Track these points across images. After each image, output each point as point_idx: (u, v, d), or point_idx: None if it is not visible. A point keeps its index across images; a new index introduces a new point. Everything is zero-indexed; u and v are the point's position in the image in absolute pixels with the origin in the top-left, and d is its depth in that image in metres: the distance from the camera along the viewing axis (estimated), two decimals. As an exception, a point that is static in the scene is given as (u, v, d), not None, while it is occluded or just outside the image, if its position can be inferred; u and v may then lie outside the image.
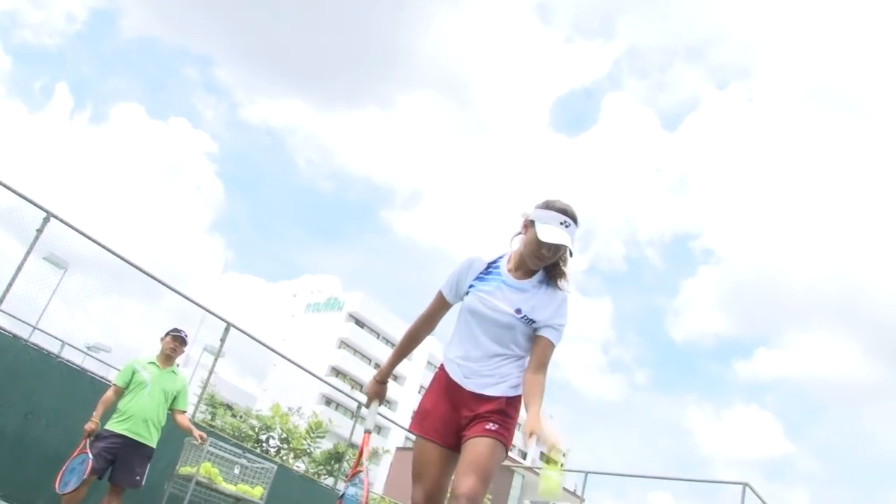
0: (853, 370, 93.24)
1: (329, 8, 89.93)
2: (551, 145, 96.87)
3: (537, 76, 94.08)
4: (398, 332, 60.39)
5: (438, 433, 2.83)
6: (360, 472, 3.01)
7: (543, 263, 2.84)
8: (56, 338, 14.42)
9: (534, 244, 2.79)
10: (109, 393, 5.79)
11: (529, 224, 2.83)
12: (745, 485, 10.26)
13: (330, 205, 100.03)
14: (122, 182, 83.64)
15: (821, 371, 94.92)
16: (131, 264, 7.68)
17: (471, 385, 2.81)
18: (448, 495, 2.76)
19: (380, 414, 3.33)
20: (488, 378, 2.80)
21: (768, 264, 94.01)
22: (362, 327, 62.08)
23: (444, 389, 2.87)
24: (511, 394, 2.80)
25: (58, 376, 7.08)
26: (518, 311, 2.81)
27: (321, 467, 16.34)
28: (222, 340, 9.00)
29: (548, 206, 2.82)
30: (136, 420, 5.68)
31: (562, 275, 2.89)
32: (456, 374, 2.85)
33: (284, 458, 15.06)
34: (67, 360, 7.95)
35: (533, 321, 2.82)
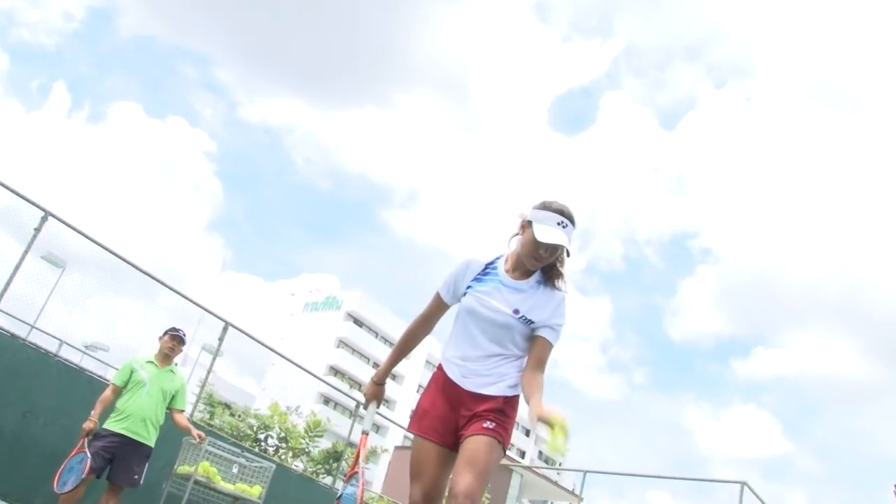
0: (851, 369, 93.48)
1: (327, 7, 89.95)
2: (550, 144, 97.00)
3: (535, 75, 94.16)
4: (396, 331, 60.39)
5: (437, 432, 2.83)
6: (357, 473, 3.01)
7: (541, 264, 2.85)
8: (54, 337, 14.42)
9: (531, 245, 2.80)
10: (107, 392, 5.79)
11: (527, 225, 2.84)
12: (743, 484, 10.28)
13: (328, 204, 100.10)
14: (119, 181, 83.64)
15: (819, 370, 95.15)
16: (129, 263, 7.68)
17: (469, 384, 2.81)
18: (446, 494, 2.76)
19: (378, 413, 3.34)
20: (486, 378, 2.81)
21: (766, 263, 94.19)
22: (361, 326, 62.09)
23: (442, 389, 2.88)
24: (509, 393, 2.80)
25: (56, 375, 7.08)
26: (516, 311, 2.82)
27: (319, 466, 16.34)
28: (220, 339, 9.00)
29: (545, 206, 2.83)
30: (135, 419, 5.68)
31: (559, 275, 2.90)
32: (454, 374, 2.85)
33: (283, 457, 15.05)
34: (65, 360, 7.95)
35: (531, 321, 2.83)
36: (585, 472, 12.62)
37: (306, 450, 15.84)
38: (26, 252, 6.76)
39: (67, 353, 13.79)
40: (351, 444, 13.75)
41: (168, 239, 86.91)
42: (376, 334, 62.85)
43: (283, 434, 15.67)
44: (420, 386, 57.71)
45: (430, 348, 58.14)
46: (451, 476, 2.75)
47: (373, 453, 21.15)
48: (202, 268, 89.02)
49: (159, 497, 7.19)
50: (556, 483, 33.56)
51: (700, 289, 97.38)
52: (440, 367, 2.94)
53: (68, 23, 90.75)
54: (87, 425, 5.54)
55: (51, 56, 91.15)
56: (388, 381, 3.22)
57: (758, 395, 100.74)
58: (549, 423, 2.53)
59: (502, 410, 2.77)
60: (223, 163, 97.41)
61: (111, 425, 5.64)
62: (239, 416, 17.37)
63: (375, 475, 38.68)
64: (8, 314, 12.26)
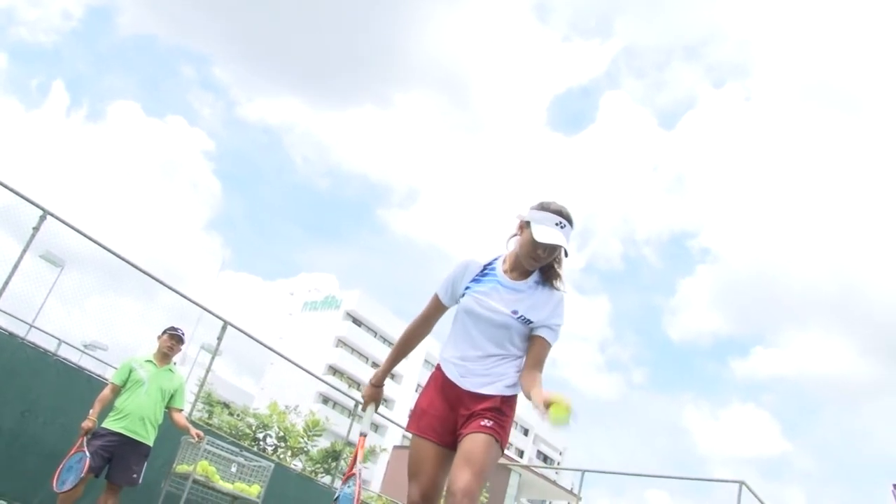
0: (850, 369, 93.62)
1: (326, 6, 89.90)
2: (549, 144, 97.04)
3: (535, 75, 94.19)
4: (395, 331, 60.38)
5: (435, 432, 2.84)
6: (354, 474, 3.02)
7: (539, 264, 2.85)
8: (53, 336, 14.41)
9: (529, 245, 2.80)
10: (106, 391, 5.79)
11: (525, 225, 2.85)
12: (742, 483, 10.29)
13: (327, 203, 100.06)
14: (118, 180, 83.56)
15: (817, 370, 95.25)
16: (128, 262, 7.67)
17: (467, 384, 2.82)
18: (444, 493, 2.77)
19: (377, 413, 3.33)
20: (484, 377, 2.82)
21: (765, 263, 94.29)
22: (359, 326, 62.09)
23: (441, 388, 2.89)
24: (507, 393, 2.81)
25: (55, 374, 7.07)
26: (514, 311, 2.83)
27: (318, 466, 16.35)
28: (219, 339, 8.99)
29: (543, 207, 2.84)
30: (133, 418, 5.68)
31: (557, 275, 2.91)
32: (452, 374, 2.86)
33: (281, 456, 15.05)
34: (64, 359, 7.95)
35: (530, 321, 2.84)
36: (584, 471, 12.63)
37: (305, 449, 15.85)
38: (25, 251, 6.76)
39: (66, 353, 13.79)
40: (350, 444, 13.75)
41: (167, 238, 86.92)
42: (375, 334, 62.86)
43: (281, 433, 15.68)
44: (419, 385, 57.72)
45: (429, 348, 58.12)
46: (449, 474, 2.76)
47: (371, 452, 21.18)
48: (201, 267, 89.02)
49: (158, 496, 7.19)
50: (554, 482, 33.57)
51: (699, 288, 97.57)
52: (438, 367, 2.95)
53: (67, 21, 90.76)
54: (86, 424, 5.54)
55: (50, 55, 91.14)
56: (387, 380, 3.23)
57: (756, 394, 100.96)
58: (550, 402, 2.53)
59: (500, 409, 2.78)
60: (222, 162, 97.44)
61: (110, 424, 5.64)
62: (238, 415, 17.38)
63: (374, 474, 38.67)
64: (6, 313, 12.26)
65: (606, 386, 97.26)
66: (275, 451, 15.34)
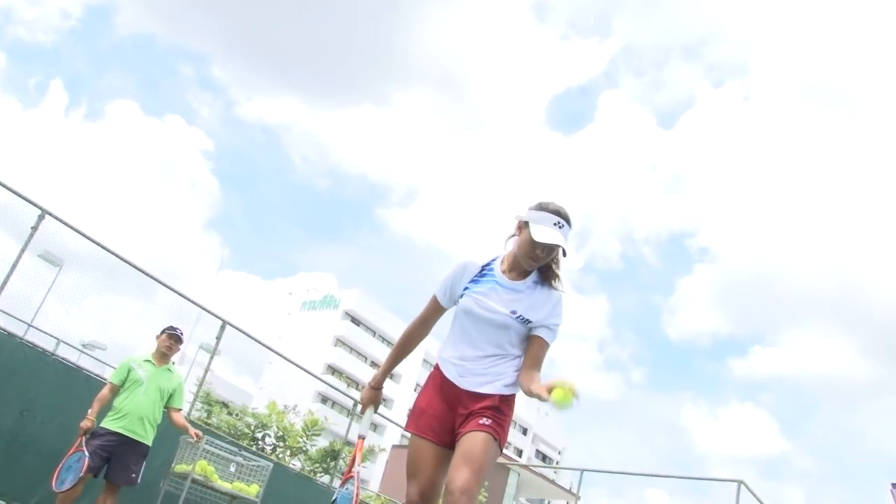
0: (849, 368, 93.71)
1: (325, 5, 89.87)
2: (547, 143, 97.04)
3: (533, 74, 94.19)
4: (394, 330, 60.39)
5: (433, 431, 2.84)
6: (352, 477, 3.02)
7: (537, 264, 2.86)
8: (51, 335, 14.38)
9: (528, 245, 2.81)
10: (105, 391, 5.79)
11: (523, 225, 2.86)
12: (740, 483, 10.30)
13: (326, 202, 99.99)
14: (117, 179, 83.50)
15: (816, 369, 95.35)
16: (126, 262, 7.67)
17: (465, 383, 2.82)
18: (443, 493, 2.77)
19: (376, 413, 3.32)
20: (483, 377, 2.82)
21: (764, 262, 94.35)
22: (358, 325, 62.08)
23: (439, 388, 2.89)
24: (506, 392, 2.82)
25: (53, 374, 7.07)
26: (513, 311, 2.83)
27: (317, 465, 16.34)
28: (218, 338, 8.99)
29: (541, 207, 2.84)
30: (132, 418, 5.68)
31: (555, 276, 2.92)
32: (451, 373, 2.86)
33: (280, 456, 15.05)
34: (63, 358, 7.95)
35: (528, 321, 2.84)
36: (583, 470, 12.64)
37: (304, 448, 15.85)
38: (23, 250, 6.75)
39: (65, 352, 13.77)
40: (348, 443, 13.75)
41: (165, 237, 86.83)
42: (374, 333, 62.85)
43: (280, 433, 15.67)
44: (417, 385, 57.72)
45: (428, 347, 58.08)
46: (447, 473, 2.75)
47: (370, 452, 21.17)
48: (199, 266, 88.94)
49: (156, 496, 7.19)
50: (553, 482, 33.59)
51: (698, 288, 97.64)
52: (437, 367, 2.95)
53: (65, 21, 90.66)
54: (85, 424, 5.54)
55: (48, 54, 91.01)
56: (386, 380, 3.23)
57: (755, 393, 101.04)
58: (553, 387, 2.53)
59: (499, 408, 2.78)
60: (220, 161, 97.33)
61: (109, 424, 5.64)
62: (236, 414, 17.37)
63: (372, 474, 38.68)
64: (5, 313, 12.26)
65: (605, 385, 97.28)
66: (273, 450, 15.34)
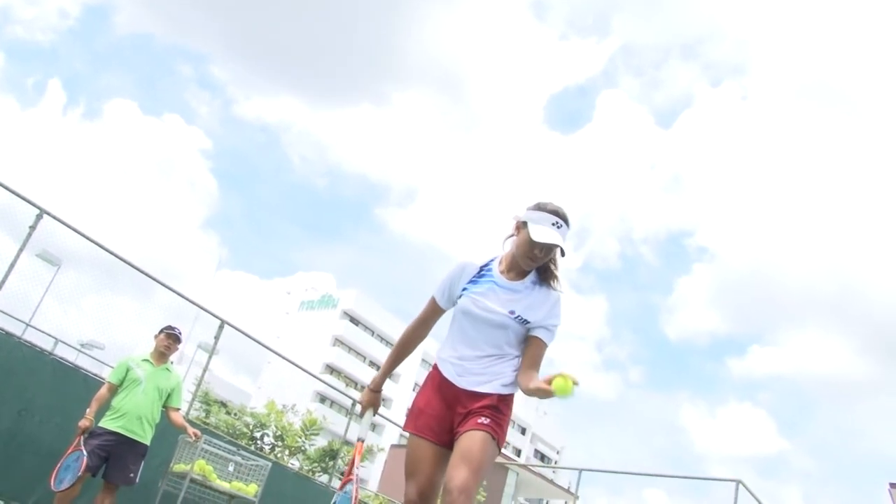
0: (847, 367, 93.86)
1: (324, 5, 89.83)
2: (546, 143, 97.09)
3: (532, 73, 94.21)
4: (392, 330, 60.38)
5: (432, 431, 2.84)
6: (351, 479, 3.02)
7: (536, 264, 2.86)
8: (49, 335, 14.36)
9: (526, 245, 2.81)
10: (103, 390, 5.78)
11: (522, 226, 2.86)
12: (739, 482, 10.32)
13: (324, 202, 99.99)
14: (115, 179, 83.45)
15: (814, 368, 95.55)
16: (125, 261, 7.67)
17: (464, 383, 2.82)
18: (441, 492, 2.77)
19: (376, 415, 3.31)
20: (481, 376, 2.82)
21: (762, 262, 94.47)
22: (357, 325, 62.05)
23: (438, 387, 2.89)
24: (504, 392, 2.82)
25: (51, 373, 7.06)
26: (512, 312, 2.84)
27: (316, 465, 16.34)
28: (216, 338, 8.99)
29: (539, 207, 2.85)
30: (131, 417, 5.67)
31: (554, 276, 2.92)
32: (449, 373, 2.86)
33: (279, 455, 15.04)
34: (61, 358, 7.93)
35: (527, 321, 2.84)
36: (581, 470, 12.65)
37: (302, 448, 15.84)
38: (21, 250, 6.75)
39: (63, 352, 13.74)
40: (347, 443, 13.75)
41: (164, 237, 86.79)
42: (372, 332, 62.83)
43: (279, 432, 15.66)
44: (416, 384, 57.70)
45: (427, 347, 58.07)
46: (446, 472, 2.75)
47: (369, 452, 21.18)
48: (198, 266, 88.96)
49: (155, 495, 7.18)
50: (551, 481, 33.59)
51: (696, 287, 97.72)
52: (435, 367, 2.95)
53: (64, 20, 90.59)
54: (83, 423, 5.53)
55: (46, 53, 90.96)
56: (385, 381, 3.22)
57: (753, 393, 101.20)
58: (552, 378, 2.53)
59: (497, 408, 2.78)
60: (219, 160, 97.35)
61: (107, 423, 5.64)
62: (235, 414, 17.37)
63: (371, 473, 38.67)
64: (3, 312, 12.25)
65: (604, 385, 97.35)
66: (272, 450, 15.33)
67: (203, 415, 15.55)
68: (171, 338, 6.02)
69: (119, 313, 8.76)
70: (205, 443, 7.22)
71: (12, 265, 6.66)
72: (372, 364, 60.91)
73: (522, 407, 62.99)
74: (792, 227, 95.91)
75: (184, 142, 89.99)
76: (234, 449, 8.02)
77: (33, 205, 6.75)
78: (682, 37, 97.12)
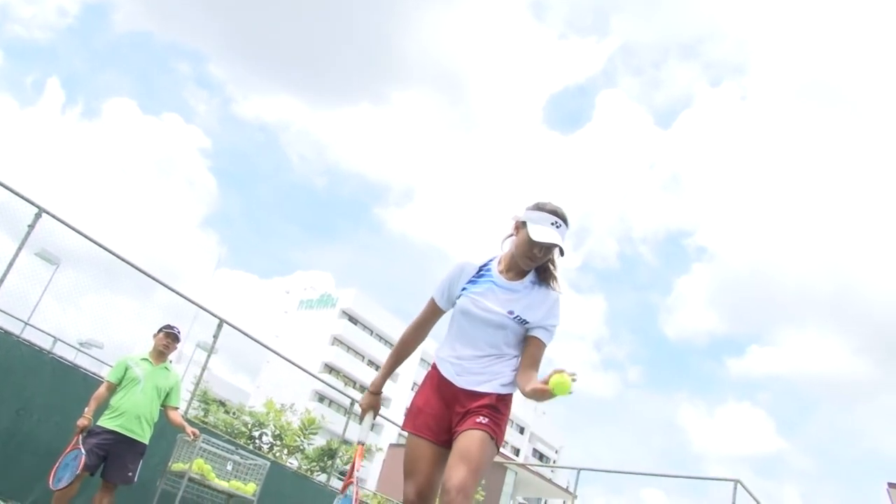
0: (845, 367, 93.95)
1: (323, 4, 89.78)
2: (545, 142, 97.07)
3: (531, 73, 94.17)
4: (391, 329, 60.37)
5: (431, 430, 2.84)
6: (352, 482, 3.02)
7: (535, 264, 2.86)
8: (48, 334, 14.36)
9: (525, 245, 2.81)
10: (102, 389, 5.78)
11: (521, 225, 2.86)
12: (737, 481, 10.32)
13: (323, 201, 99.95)
14: (114, 177, 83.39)
15: (813, 368, 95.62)
16: (124, 260, 7.67)
17: (462, 382, 2.83)
18: (440, 491, 2.77)
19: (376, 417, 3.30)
20: (480, 375, 2.82)
21: (761, 262, 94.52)
22: (355, 324, 62.04)
23: (437, 387, 2.89)
24: (503, 391, 2.82)
25: (50, 372, 7.06)
26: (511, 312, 2.84)
27: (314, 464, 16.37)
28: (215, 337, 8.99)
29: (538, 207, 2.85)
30: (129, 416, 5.67)
31: (552, 276, 2.92)
32: (448, 372, 2.87)
33: (277, 454, 15.04)
34: (59, 357, 7.93)
35: (526, 321, 2.84)
36: (580, 469, 12.65)
37: (301, 447, 15.85)
38: (20, 249, 6.75)
39: (61, 351, 13.75)
40: (345, 442, 13.75)
41: (163, 236, 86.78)
42: (371, 332, 62.83)
43: (277, 431, 15.67)
44: (415, 384, 57.71)
45: (426, 346, 58.07)
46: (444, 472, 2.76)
47: (367, 451, 21.17)
48: (197, 265, 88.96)
49: (153, 494, 7.18)
50: (550, 481, 33.60)
51: (695, 287, 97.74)
52: (434, 366, 2.95)
53: (62, 18, 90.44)
54: (82, 422, 5.53)
55: (45, 52, 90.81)
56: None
57: (752, 392, 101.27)
58: (549, 378, 2.53)
59: (496, 407, 2.78)
60: (218, 159, 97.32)
61: (105, 422, 5.64)
62: (234, 413, 17.39)
63: (370, 473, 38.70)
64: (2, 311, 12.24)
65: (602, 384, 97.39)
66: (270, 449, 15.34)
67: (202, 414, 15.58)
68: (169, 337, 6.02)
69: (118, 312, 8.77)
70: (203, 442, 7.22)
71: (11, 264, 6.66)
72: (371, 363, 60.91)
73: (521, 406, 62.96)
74: (791, 227, 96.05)
75: (183, 141, 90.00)
76: (232, 448, 8.02)
77: (32, 203, 6.75)
78: (682, 36, 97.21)
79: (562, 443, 75.08)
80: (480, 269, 2.95)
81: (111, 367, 6.10)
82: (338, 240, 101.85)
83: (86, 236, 7.30)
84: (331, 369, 57.47)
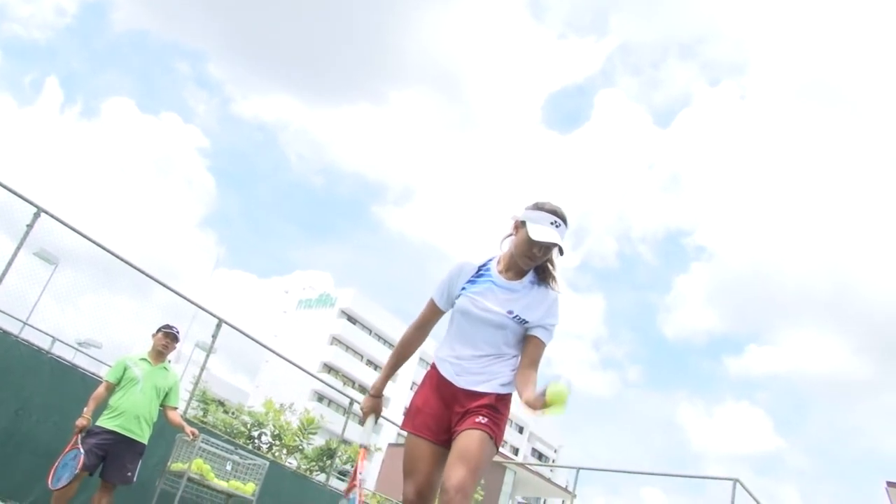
0: (843, 366, 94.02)
1: (322, 4, 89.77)
2: (544, 142, 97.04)
3: (530, 73, 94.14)
4: (390, 329, 60.37)
5: (430, 430, 2.84)
6: (355, 486, 3.02)
7: (535, 263, 2.86)
8: (47, 334, 14.35)
9: (525, 244, 2.81)
10: (101, 389, 5.78)
11: (520, 225, 2.86)
12: (736, 480, 10.32)
13: (322, 200, 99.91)
14: (112, 177, 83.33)
15: (811, 367, 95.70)
16: (122, 260, 7.66)
17: (462, 382, 2.83)
18: (439, 491, 2.77)
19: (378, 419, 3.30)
20: (479, 375, 2.82)
21: (760, 261, 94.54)
22: (354, 323, 62.03)
23: (436, 387, 2.89)
24: (502, 391, 2.82)
25: (48, 372, 7.05)
26: (510, 311, 2.84)
27: (313, 463, 16.37)
28: (214, 337, 8.99)
29: (538, 207, 2.85)
30: (128, 416, 5.67)
31: (551, 275, 2.92)
32: (447, 372, 2.87)
33: (276, 454, 15.04)
34: (58, 356, 7.92)
35: (525, 321, 2.84)
36: (579, 468, 12.65)
37: (300, 447, 15.85)
38: (18, 248, 6.74)
39: (60, 350, 13.73)
40: (345, 442, 13.75)
41: (161, 235, 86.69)
42: (370, 331, 62.82)
43: (276, 431, 15.67)
44: (414, 383, 57.70)
45: (425, 346, 57.54)
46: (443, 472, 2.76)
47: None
48: (195, 264, 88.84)
49: (152, 494, 7.17)
50: (549, 480, 33.64)
51: (694, 286, 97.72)
52: (434, 366, 2.95)
53: (61, 18, 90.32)
54: (81, 422, 5.53)
55: (43, 51, 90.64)
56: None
57: (751, 392, 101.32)
58: (544, 392, 2.53)
59: (495, 407, 2.78)
60: (217, 159, 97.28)
61: (104, 422, 5.63)
62: (233, 413, 17.38)
63: (369, 473, 38.66)
64: (0, 311, 12.23)
65: (601, 384, 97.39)
66: (270, 448, 15.33)
67: (201, 413, 15.57)
68: (168, 337, 6.02)
69: (117, 312, 8.77)
70: (202, 442, 7.21)
71: (10, 264, 6.65)
72: (369, 363, 60.91)
73: (520, 405, 62.82)
74: (790, 226, 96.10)
75: (181, 140, 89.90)
76: (231, 448, 8.02)
77: (31, 203, 6.74)
78: (681, 36, 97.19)
79: (561, 442, 75.12)
80: (480, 268, 2.95)
81: (110, 366, 6.10)
82: (336, 239, 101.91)
83: (84, 236, 7.30)
84: (330, 369, 57.47)
